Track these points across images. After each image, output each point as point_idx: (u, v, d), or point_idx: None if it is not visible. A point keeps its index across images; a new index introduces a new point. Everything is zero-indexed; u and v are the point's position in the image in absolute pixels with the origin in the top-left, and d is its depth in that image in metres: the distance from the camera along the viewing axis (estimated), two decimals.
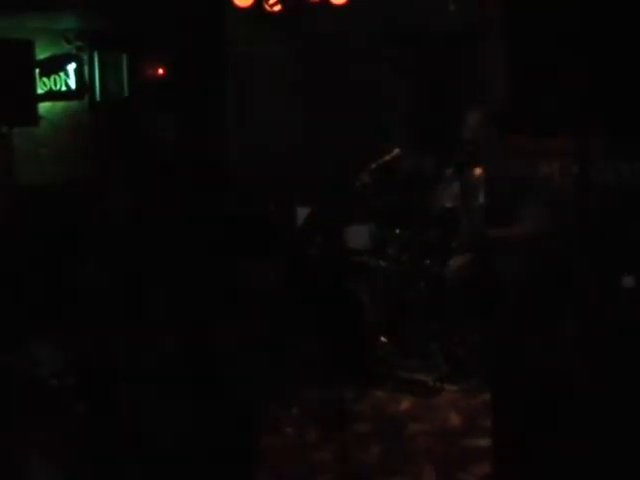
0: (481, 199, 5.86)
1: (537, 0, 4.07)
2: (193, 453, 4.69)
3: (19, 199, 6.91)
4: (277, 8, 7.76)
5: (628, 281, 4.88)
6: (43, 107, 8.01)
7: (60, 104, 8.94)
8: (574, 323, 4.63)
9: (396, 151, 6.68)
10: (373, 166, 6.62)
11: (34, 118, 7.03)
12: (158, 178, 6.06)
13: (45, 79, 8.77)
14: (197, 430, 4.58)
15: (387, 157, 6.71)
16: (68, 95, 9.01)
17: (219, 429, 5.16)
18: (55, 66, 8.90)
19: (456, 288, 6.62)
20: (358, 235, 7.84)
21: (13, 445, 4.97)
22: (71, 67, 9.00)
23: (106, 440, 5.10)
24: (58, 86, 8.92)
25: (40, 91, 8.24)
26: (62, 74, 8.95)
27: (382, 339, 6.57)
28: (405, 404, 6.24)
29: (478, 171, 5.76)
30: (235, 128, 10.02)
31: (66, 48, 8.98)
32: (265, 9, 7.75)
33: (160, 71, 9.45)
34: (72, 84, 9.01)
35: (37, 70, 7.41)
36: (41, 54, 8.33)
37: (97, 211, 6.03)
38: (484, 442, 5.23)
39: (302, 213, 8.62)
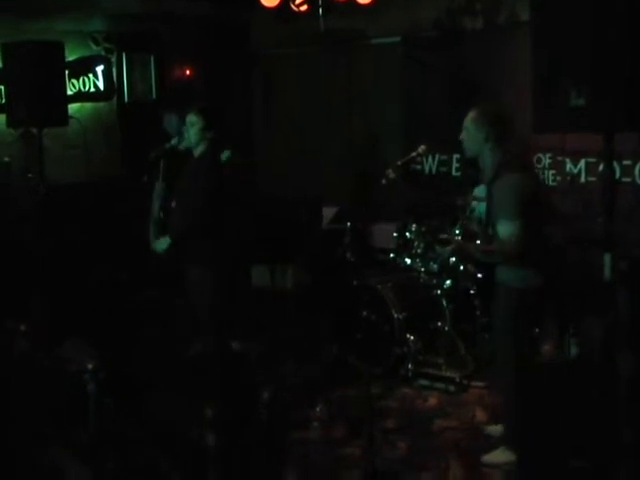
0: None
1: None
2: (221, 447, 4.73)
3: (48, 198, 6.97)
4: (304, 8, 7.77)
5: None
6: (72, 108, 8.05)
7: (89, 105, 9.02)
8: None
9: (422, 147, 6.68)
10: (399, 163, 6.63)
11: (63, 119, 7.07)
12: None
13: (74, 80, 8.86)
14: (223, 425, 4.62)
15: (413, 153, 6.71)
16: (96, 96, 9.09)
17: (245, 424, 5.20)
18: (84, 67, 8.99)
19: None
20: (384, 233, 7.87)
21: (41, 439, 5.03)
22: (99, 68, 9.09)
23: (133, 434, 5.15)
24: (87, 87, 9.01)
25: (69, 92, 8.31)
26: (91, 75, 9.03)
27: (409, 336, 6.58)
28: (432, 400, 6.27)
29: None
30: (262, 128, 10.09)
31: (95, 50, 9.07)
32: (292, 9, 7.77)
33: (187, 72, 9.53)
34: (100, 85, 9.10)
35: (66, 71, 7.46)
36: (70, 56, 8.40)
37: None
38: None
39: (328, 212, 8.67)
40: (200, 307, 5.83)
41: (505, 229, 4.86)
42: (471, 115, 5.05)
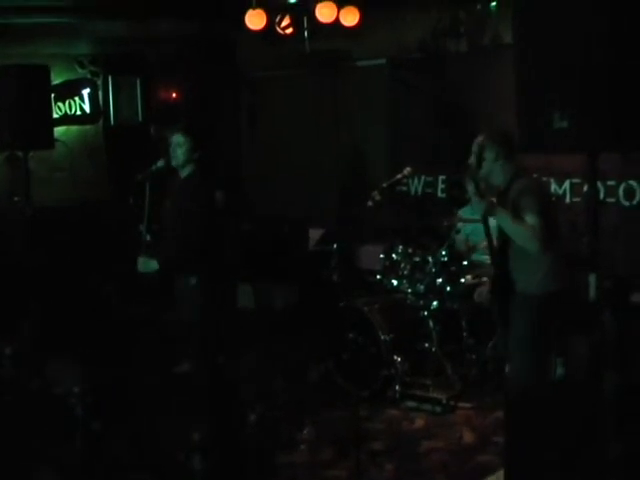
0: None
1: (549, 20, 4.08)
2: (207, 469, 4.72)
3: (35, 220, 6.95)
4: (289, 31, 7.80)
5: None
6: (58, 131, 8.07)
7: (75, 128, 9.05)
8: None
9: (407, 169, 6.71)
10: (384, 185, 6.64)
11: (49, 142, 7.08)
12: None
13: (60, 104, 8.89)
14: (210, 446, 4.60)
15: (398, 175, 6.74)
16: (83, 119, 9.12)
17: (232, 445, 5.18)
18: (70, 91, 9.01)
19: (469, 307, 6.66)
20: (371, 255, 7.88)
21: (29, 461, 5.00)
22: (85, 92, 9.12)
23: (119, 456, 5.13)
24: (73, 110, 9.03)
25: (55, 115, 8.32)
26: (77, 98, 9.07)
27: (396, 358, 6.57)
28: (419, 422, 6.25)
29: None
30: (249, 149, 10.10)
31: (80, 73, 9.09)
32: (277, 32, 7.79)
33: (174, 95, 9.55)
34: (87, 108, 9.12)
35: (52, 95, 7.46)
36: (56, 79, 8.42)
37: None
38: (497, 458, 5.26)
39: (314, 234, 8.68)
40: (190, 320, 5.79)
41: (530, 219, 4.84)
42: (480, 138, 5.12)
